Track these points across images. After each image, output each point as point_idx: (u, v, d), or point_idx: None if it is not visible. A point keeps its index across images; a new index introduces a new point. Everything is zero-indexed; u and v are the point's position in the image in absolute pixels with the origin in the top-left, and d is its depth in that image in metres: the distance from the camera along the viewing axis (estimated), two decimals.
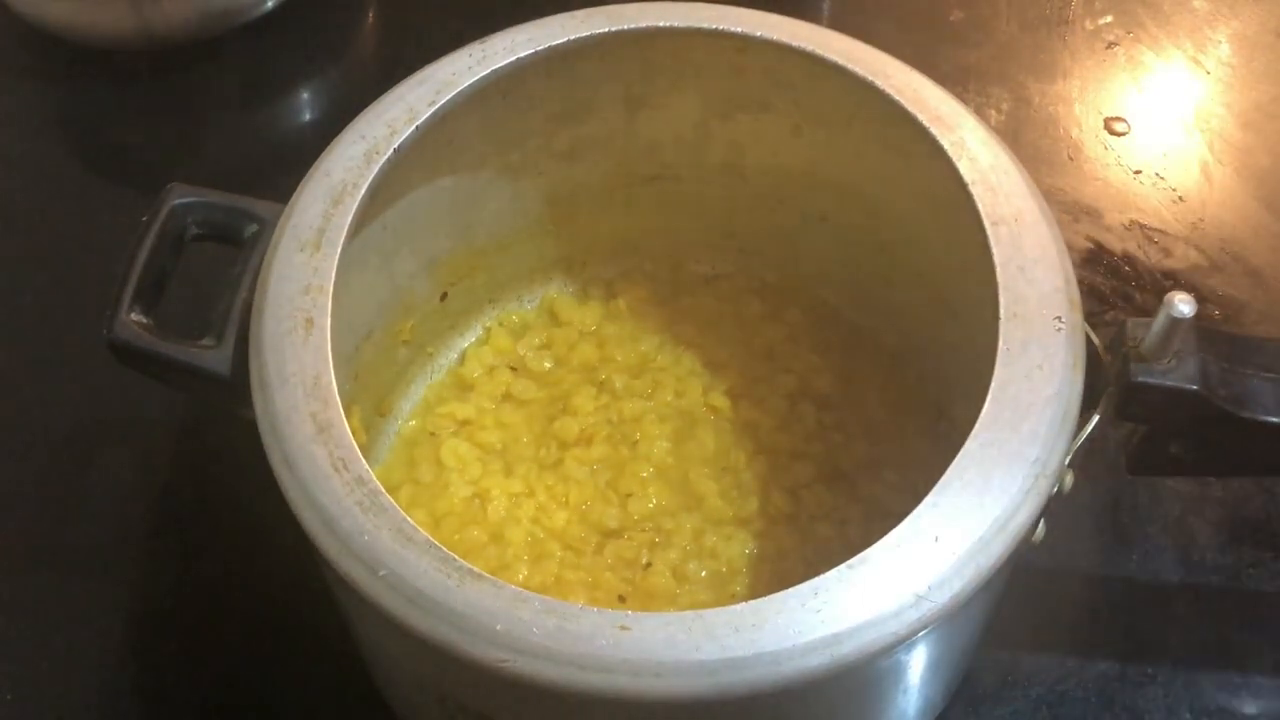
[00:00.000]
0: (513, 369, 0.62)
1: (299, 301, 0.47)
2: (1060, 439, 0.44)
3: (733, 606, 0.41)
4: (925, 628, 0.41)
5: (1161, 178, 0.75)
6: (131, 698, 0.58)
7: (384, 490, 0.43)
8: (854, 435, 0.59)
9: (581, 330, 0.62)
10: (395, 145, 0.51)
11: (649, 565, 0.55)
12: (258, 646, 0.59)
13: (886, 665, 0.44)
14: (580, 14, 0.55)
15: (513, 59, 0.54)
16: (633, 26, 0.55)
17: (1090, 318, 0.47)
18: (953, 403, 0.58)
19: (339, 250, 0.49)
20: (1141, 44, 0.82)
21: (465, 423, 0.60)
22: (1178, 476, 0.63)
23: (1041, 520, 0.47)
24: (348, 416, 0.45)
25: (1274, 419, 0.46)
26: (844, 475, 0.58)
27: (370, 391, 0.58)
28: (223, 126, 0.79)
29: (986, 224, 0.48)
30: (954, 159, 0.50)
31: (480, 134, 0.56)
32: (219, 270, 0.50)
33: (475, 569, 0.41)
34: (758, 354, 0.61)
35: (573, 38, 0.54)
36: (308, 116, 0.81)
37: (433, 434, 0.60)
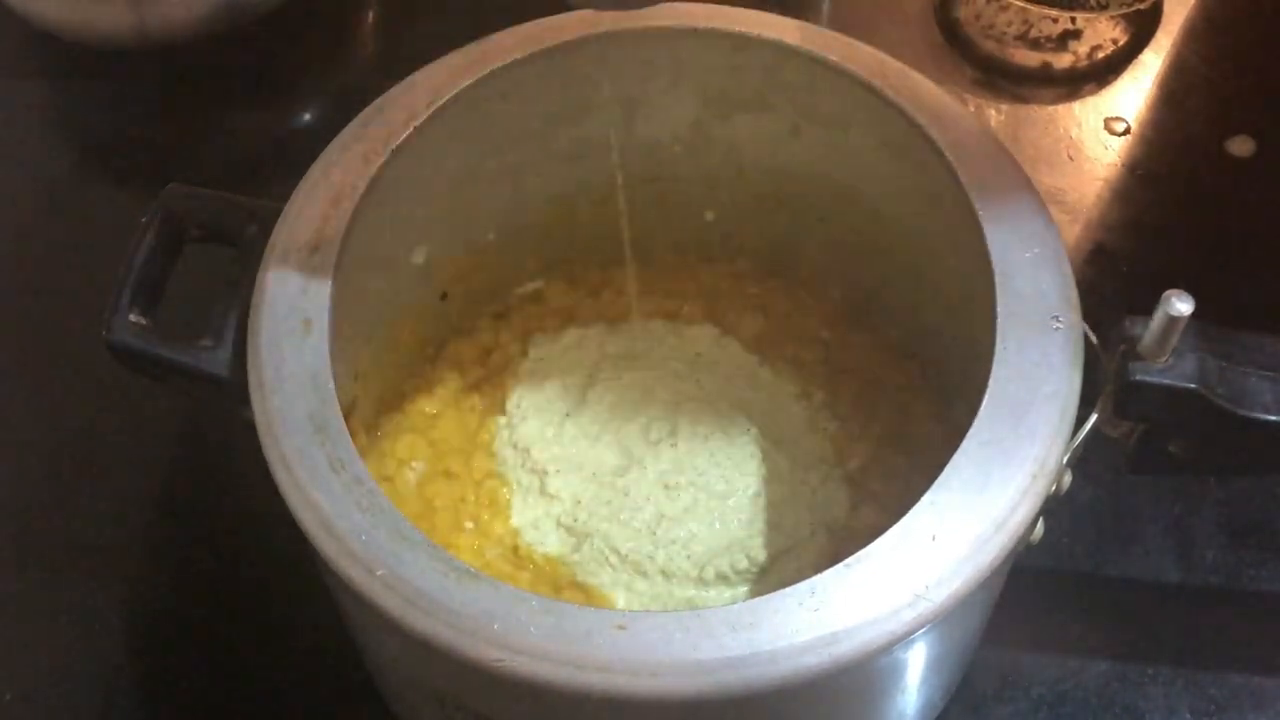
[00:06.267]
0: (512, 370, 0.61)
1: (297, 302, 0.47)
2: (1058, 438, 0.44)
3: (730, 606, 0.41)
4: (923, 627, 0.41)
5: (1161, 178, 0.75)
6: (131, 698, 0.59)
7: (382, 490, 0.43)
8: (854, 435, 0.59)
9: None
10: (394, 145, 0.51)
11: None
12: (258, 646, 0.59)
13: (884, 664, 0.44)
14: (578, 14, 0.55)
15: (511, 59, 0.54)
16: (631, 26, 0.55)
17: (1089, 317, 0.47)
18: (953, 402, 0.58)
19: (338, 250, 0.49)
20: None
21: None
22: (1177, 476, 0.63)
23: (1040, 520, 0.47)
24: (347, 417, 0.45)
25: (1273, 417, 0.46)
26: (845, 475, 0.57)
27: (370, 392, 0.58)
28: (223, 126, 0.79)
29: (984, 223, 0.48)
30: (952, 159, 0.50)
31: (479, 134, 0.56)
32: (218, 271, 0.50)
33: (473, 569, 0.41)
34: (757, 354, 0.61)
35: (571, 38, 0.54)
36: (307, 116, 0.81)
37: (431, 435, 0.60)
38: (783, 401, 0.59)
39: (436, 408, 0.60)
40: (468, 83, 0.53)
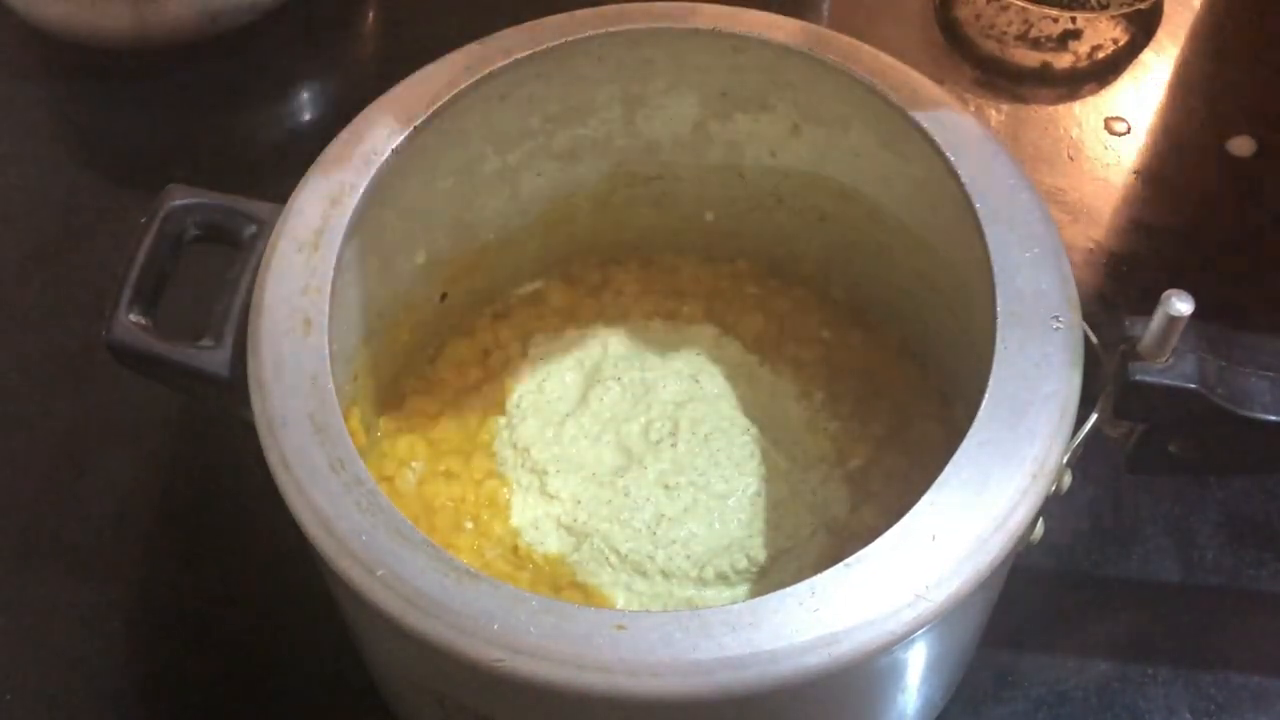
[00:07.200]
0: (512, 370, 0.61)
1: (297, 302, 0.47)
2: (1058, 438, 0.44)
3: (730, 606, 0.41)
4: (922, 627, 0.41)
5: (1161, 178, 0.75)
6: (131, 698, 0.59)
7: (382, 491, 0.43)
8: (854, 435, 0.59)
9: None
10: (393, 145, 0.51)
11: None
12: (258, 646, 0.59)
13: (884, 664, 0.44)
14: (578, 14, 0.55)
15: (511, 60, 0.54)
16: (631, 27, 0.55)
17: (1089, 317, 0.47)
18: (954, 401, 0.58)
19: (337, 251, 0.49)
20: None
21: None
22: (1177, 476, 0.63)
23: (1040, 520, 0.47)
24: (347, 417, 0.45)
25: (1273, 417, 0.46)
26: (845, 475, 0.57)
27: (370, 392, 0.58)
28: (222, 126, 0.79)
29: (984, 223, 0.48)
30: (952, 159, 0.50)
31: (479, 135, 0.56)
32: (218, 271, 0.50)
33: (472, 568, 0.41)
34: (757, 354, 0.61)
35: (571, 38, 0.54)
36: (307, 116, 0.81)
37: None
38: (783, 401, 0.59)
39: (436, 408, 0.60)
40: (468, 83, 0.53)
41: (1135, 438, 0.49)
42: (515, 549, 0.55)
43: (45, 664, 0.59)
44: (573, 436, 0.58)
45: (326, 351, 0.46)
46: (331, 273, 0.48)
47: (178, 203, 0.51)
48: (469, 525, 0.56)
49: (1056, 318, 0.46)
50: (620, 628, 0.40)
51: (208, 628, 0.60)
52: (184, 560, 0.62)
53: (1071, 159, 0.77)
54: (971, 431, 0.44)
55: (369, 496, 0.43)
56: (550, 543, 0.56)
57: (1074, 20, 0.82)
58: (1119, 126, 0.78)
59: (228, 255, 0.51)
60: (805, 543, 0.55)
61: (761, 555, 0.55)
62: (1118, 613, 0.60)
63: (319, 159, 0.51)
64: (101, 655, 0.59)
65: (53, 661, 0.59)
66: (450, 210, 0.58)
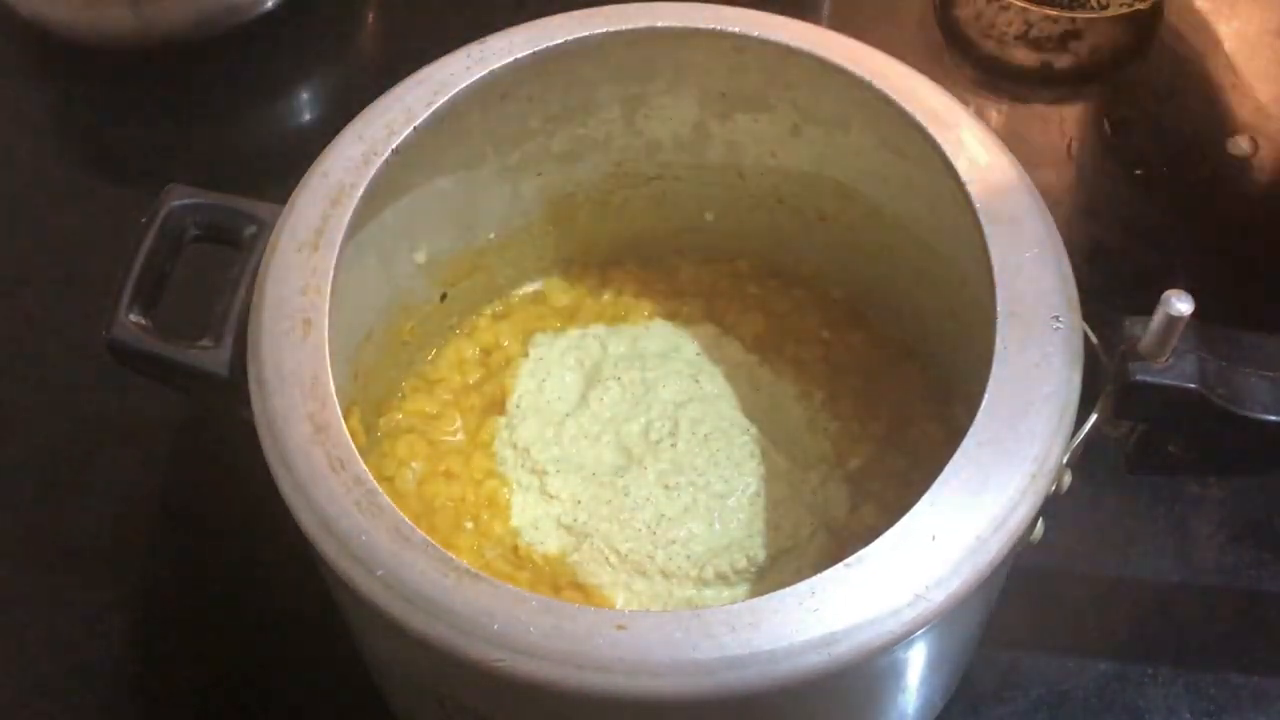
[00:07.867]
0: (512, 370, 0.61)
1: (297, 302, 0.47)
2: (1058, 438, 0.44)
3: (730, 605, 0.41)
4: (922, 627, 0.41)
5: (1161, 178, 0.75)
6: (131, 698, 0.59)
7: (381, 490, 0.43)
8: (854, 435, 0.59)
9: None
10: (393, 146, 0.51)
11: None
12: (258, 646, 0.60)
13: (884, 664, 0.44)
14: (578, 14, 0.55)
15: (511, 60, 0.54)
16: (631, 27, 0.55)
17: (1089, 317, 0.47)
18: (955, 401, 0.58)
19: (337, 251, 0.49)
20: None
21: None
22: (1177, 475, 0.63)
23: (1040, 520, 0.47)
24: (347, 417, 0.45)
25: (1272, 417, 0.46)
26: (845, 475, 0.57)
27: (370, 392, 0.58)
28: (222, 126, 0.79)
29: (984, 223, 0.48)
30: (952, 159, 0.50)
31: (479, 135, 0.56)
32: (218, 271, 0.50)
33: (472, 568, 0.41)
34: (757, 354, 0.61)
35: (571, 38, 0.54)
36: (307, 116, 0.81)
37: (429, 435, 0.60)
38: (783, 401, 0.59)
39: (436, 408, 0.60)
40: (468, 83, 0.53)
41: (1135, 438, 0.49)
42: (515, 549, 0.55)
43: (45, 664, 0.59)
44: (573, 436, 0.58)
45: (326, 351, 0.46)
46: (331, 273, 0.48)
47: (178, 203, 0.51)
48: (469, 525, 0.56)
49: (1056, 318, 0.46)
50: (620, 628, 0.40)
51: (208, 628, 0.60)
52: (184, 560, 0.62)
53: (1071, 159, 0.77)
54: (971, 431, 0.44)
55: (369, 496, 0.43)
56: (550, 543, 0.56)
57: (1074, 20, 0.82)
58: (1119, 126, 0.78)
59: (228, 255, 0.51)
60: (805, 543, 0.55)
61: (761, 555, 0.55)
62: (1118, 613, 0.60)
63: (319, 159, 0.51)
64: (101, 655, 0.59)
65: (53, 661, 0.59)
66: (450, 210, 0.58)
